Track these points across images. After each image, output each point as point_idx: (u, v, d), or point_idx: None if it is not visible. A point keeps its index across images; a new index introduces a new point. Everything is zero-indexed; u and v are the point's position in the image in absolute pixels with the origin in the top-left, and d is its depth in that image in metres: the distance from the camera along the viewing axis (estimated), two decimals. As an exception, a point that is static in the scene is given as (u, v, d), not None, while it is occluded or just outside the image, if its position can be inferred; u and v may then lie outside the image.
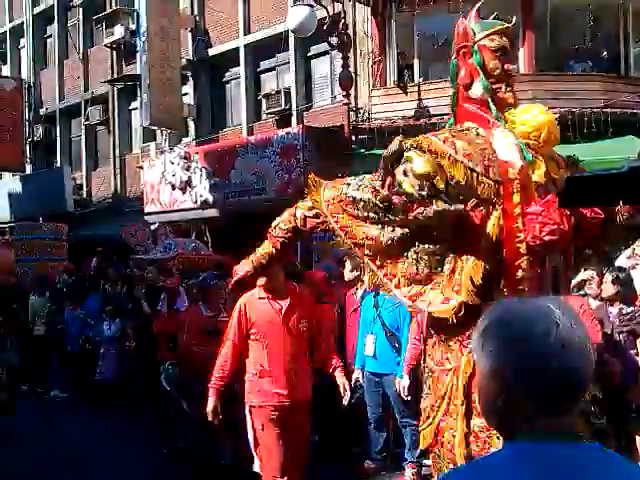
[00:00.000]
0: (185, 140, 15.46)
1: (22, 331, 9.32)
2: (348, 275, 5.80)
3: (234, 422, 4.40)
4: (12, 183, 19.88)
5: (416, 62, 11.90)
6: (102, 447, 6.24)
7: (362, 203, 2.99)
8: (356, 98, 12.10)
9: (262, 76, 14.87)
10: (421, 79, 11.64)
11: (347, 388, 4.18)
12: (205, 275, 6.09)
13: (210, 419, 4.06)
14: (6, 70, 21.86)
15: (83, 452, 6.06)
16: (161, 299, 7.60)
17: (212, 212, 13.08)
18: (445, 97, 11.23)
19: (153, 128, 15.41)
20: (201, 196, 13.15)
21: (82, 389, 8.53)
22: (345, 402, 4.18)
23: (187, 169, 13.40)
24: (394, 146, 2.86)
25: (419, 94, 11.44)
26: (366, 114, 11.95)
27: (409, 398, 4.85)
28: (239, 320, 4.06)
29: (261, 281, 4.02)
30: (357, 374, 5.27)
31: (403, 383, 4.87)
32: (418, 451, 4.97)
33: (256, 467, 4.05)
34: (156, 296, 7.79)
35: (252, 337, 4.05)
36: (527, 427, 1.19)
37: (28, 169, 20.49)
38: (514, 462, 1.16)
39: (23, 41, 21.32)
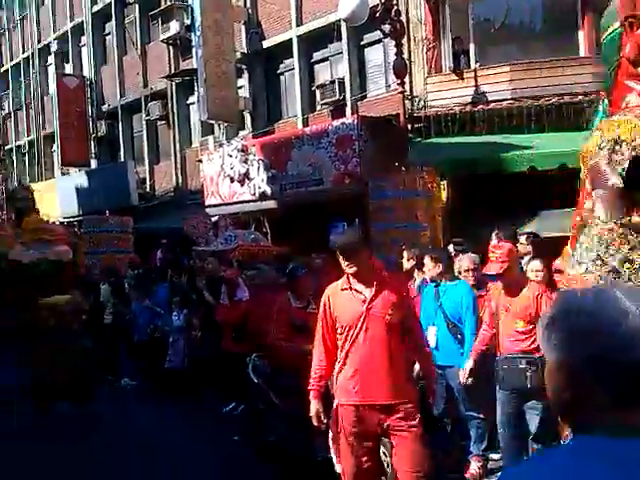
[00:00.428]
0: (242, 133, 15.71)
1: (94, 319, 9.80)
2: (406, 265, 5.86)
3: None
4: (79, 178, 20.65)
5: (472, 47, 11.73)
6: (171, 434, 6.51)
7: None
8: (411, 86, 12.04)
9: (316, 67, 14.94)
10: (477, 64, 11.48)
11: (434, 394, 3.96)
12: (294, 265, 5.98)
13: (315, 424, 3.80)
14: (69, 68, 22.64)
15: (153, 439, 6.33)
16: (222, 291, 7.84)
17: (270, 204, 13.30)
18: (503, 82, 11.17)
19: (210, 122, 15.72)
20: (259, 188, 13.38)
21: (151, 377, 8.87)
22: (435, 411, 4.02)
23: (245, 162, 13.65)
24: None
25: (476, 80, 11.29)
26: (422, 102, 11.88)
27: (469, 381, 4.82)
28: (324, 314, 3.79)
29: (351, 269, 3.68)
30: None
31: (466, 367, 4.81)
32: (484, 444, 4.99)
33: (338, 467, 3.84)
34: (217, 287, 8.03)
35: (338, 331, 3.74)
36: (597, 421, 1.15)
37: (93, 164, 21.23)
38: (582, 457, 1.12)
39: (84, 39, 21.99)
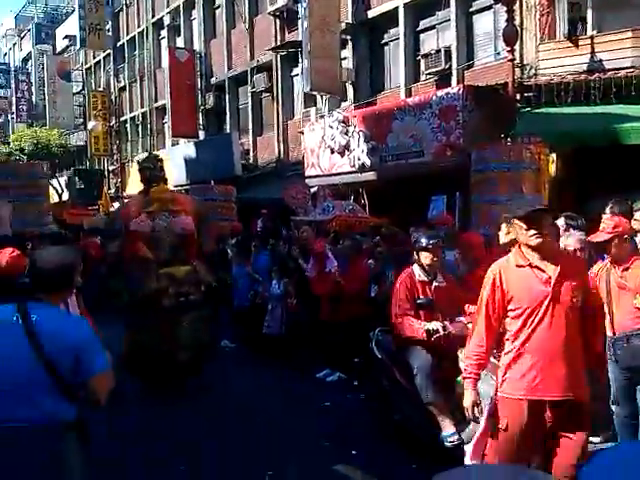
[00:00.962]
0: (344, 104, 15.66)
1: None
2: (503, 239, 5.62)
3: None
4: (187, 149, 21.44)
5: (589, 13, 10.98)
6: (266, 396, 6.70)
7: None
8: (521, 54, 11.48)
9: (421, 35, 14.57)
10: (595, 31, 10.74)
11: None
12: (420, 234, 5.50)
13: (470, 415, 3.45)
14: (180, 42, 23.40)
15: (248, 401, 6.54)
16: (310, 263, 7.90)
17: (369, 175, 13.21)
18: (623, 49, 10.39)
19: (313, 93, 15.77)
20: (359, 159, 13.31)
21: (250, 341, 9.14)
22: None
23: (345, 133, 13.60)
24: None
25: (592, 47, 10.58)
26: (532, 70, 11.31)
27: None
28: (493, 292, 3.33)
29: (536, 239, 3.24)
30: None
31: None
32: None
33: (468, 451, 3.62)
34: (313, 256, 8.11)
35: (510, 314, 3.31)
36: None
37: (201, 135, 21.96)
38: None
39: (194, 13, 22.62)
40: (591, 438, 4.75)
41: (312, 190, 12.96)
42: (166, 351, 6.73)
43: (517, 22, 11.10)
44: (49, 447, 2.59)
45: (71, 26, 30.34)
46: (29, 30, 38.90)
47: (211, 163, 18.83)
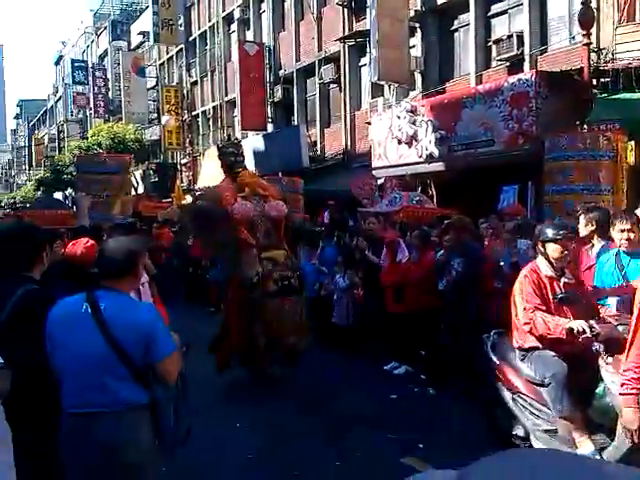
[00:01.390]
0: (412, 94, 15.46)
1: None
2: (582, 231, 5.41)
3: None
4: (256, 141, 21.72)
5: (673, -9, 10.40)
6: (335, 390, 6.72)
7: None
8: (597, 37, 10.99)
9: (492, 21, 14.18)
10: (678, 10, 10.17)
11: None
12: (544, 225, 4.88)
13: (636, 439, 3.10)
14: (250, 35, 23.70)
15: (318, 393, 6.61)
16: (383, 253, 7.85)
17: (438, 166, 13.01)
18: None
19: (381, 83, 15.64)
20: (426, 150, 13.12)
21: (317, 332, 9.18)
22: None
23: (413, 123, 13.43)
24: None
25: (675, 28, 10.03)
26: (609, 54, 10.82)
27: None
28: None
29: None
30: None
31: None
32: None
33: None
34: (377, 247, 8.08)
35: None
36: None
37: (269, 128, 22.21)
38: None
39: (263, 6, 22.84)
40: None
41: (379, 181, 12.86)
42: (271, 338, 6.81)
43: (593, 4, 10.63)
44: (125, 431, 2.70)
45: (145, 22, 31.24)
46: (105, 27, 40.34)
47: (279, 155, 19.02)
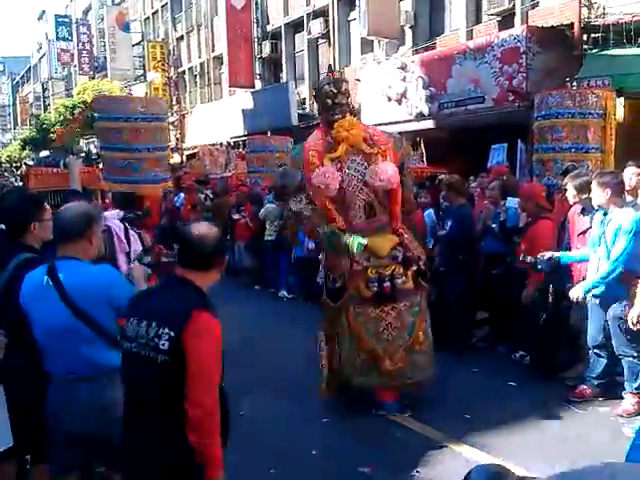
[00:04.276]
0: (402, 49, 15.24)
1: (255, 236, 10.35)
2: (572, 199, 5.32)
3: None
4: (244, 99, 21.44)
5: (667, -58, 10.21)
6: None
7: None
8: (590, -8, 10.84)
9: (484, -27, 13.91)
10: (672, -37, 10.00)
11: None
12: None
13: None
14: (237, -11, 23.12)
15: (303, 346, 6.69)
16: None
17: (427, 124, 12.93)
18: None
19: (370, 38, 15.39)
20: (416, 107, 13.03)
21: (307, 292, 9.27)
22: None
23: (403, 80, 13.29)
24: None
25: (669, -19, 9.88)
26: (600, 9, 10.68)
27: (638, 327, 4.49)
28: None
29: None
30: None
31: (634, 311, 4.48)
32: (638, 382, 4.70)
33: None
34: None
35: None
36: None
37: (258, 85, 21.88)
38: None
39: (252, -43, 22.22)
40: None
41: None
42: (367, 363, 4.85)
43: (587, -44, 10.45)
44: (109, 392, 2.76)
45: (129, -24, 30.41)
46: (89, -19, 39.24)
47: (267, 113, 18.81)
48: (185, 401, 2.25)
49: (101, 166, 8.23)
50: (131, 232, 5.13)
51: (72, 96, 34.10)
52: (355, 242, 4.56)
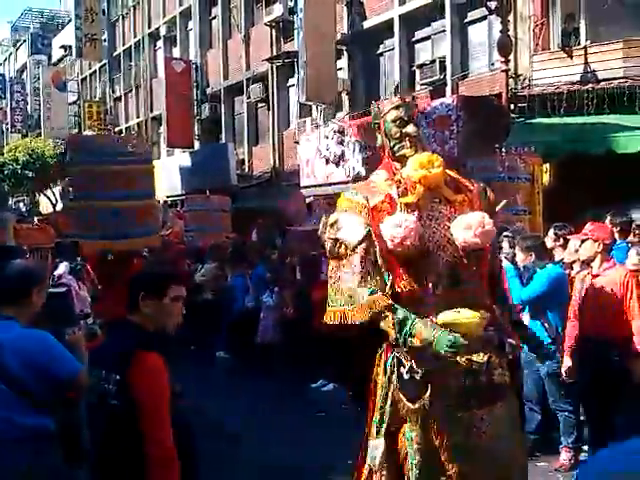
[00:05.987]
0: (339, 115, 15.71)
1: (192, 296, 10.15)
2: (521, 262, 5.40)
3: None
4: (182, 158, 21.46)
5: (583, 24, 11.08)
6: (262, 410, 6.68)
7: None
8: (516, 64, 11.56)
9: (417, 46, 14.66)
10: (588, 42, 10.84)
11: None
12: None
13: None
14: (176, 52, 23.48)
15: (239, 409, 6.52)
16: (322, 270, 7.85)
17: (365, 185, 13.20)
18: (615, 60, 10.47)
19: (309, 103, 15.82)
20: (354, 169, 13.34)
21: (244, 351, 9.10)
22: None
23: (341, 143, 13.65)
24: None
25: (586, 58, 10.66)
26: (526, 81, 11.39)
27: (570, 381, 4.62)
28: None
29: None
30: None
31: (565, 366, 4.61)
32: (573, 436, 4.78)
33: None
34: (309, 266, 8.10)
35: None
36: None
37: (196, 145, 21.99)
38: None
39: (191, 24, 22.69)
40: (584, 447, 4.81)
41: (307, 200, 12.96)
42: None
43: (511, 33, 11.18)
44: (33, 457, 2.62)
45: (67, 36, 30.39)
46: (25, 41, 38.98)
47: (206, 173, 18.82)
48: (144, 442, 2.20)
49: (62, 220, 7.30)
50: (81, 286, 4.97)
51: (2, 154, 33.24)
52: (444, 340, 2.94)
